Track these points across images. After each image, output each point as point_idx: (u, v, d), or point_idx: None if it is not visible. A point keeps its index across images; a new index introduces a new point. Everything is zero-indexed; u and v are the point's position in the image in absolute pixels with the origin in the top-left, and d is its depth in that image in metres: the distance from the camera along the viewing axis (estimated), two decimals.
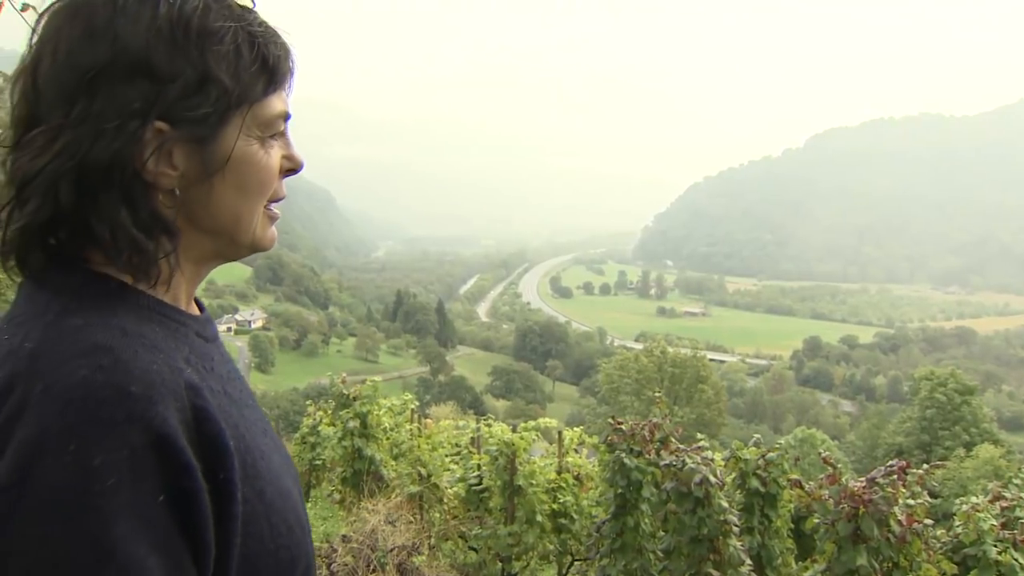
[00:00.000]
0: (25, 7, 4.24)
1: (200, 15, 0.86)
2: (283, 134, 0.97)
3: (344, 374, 9.16)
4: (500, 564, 7.68)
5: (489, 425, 8.61)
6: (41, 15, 0.87)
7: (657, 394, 7.53)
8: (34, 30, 0.87)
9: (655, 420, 6.42)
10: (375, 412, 8.48)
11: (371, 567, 6.54)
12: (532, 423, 8.09)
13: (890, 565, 4.67)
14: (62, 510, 0.68)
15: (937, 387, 41.59)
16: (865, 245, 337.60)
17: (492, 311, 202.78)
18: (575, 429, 8.75)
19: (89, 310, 0.81)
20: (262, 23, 0.93)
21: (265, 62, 0.91)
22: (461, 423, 11.17)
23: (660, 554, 5.84)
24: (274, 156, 0.94)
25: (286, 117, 0.96)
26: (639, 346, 76.19)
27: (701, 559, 5.34)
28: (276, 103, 0.93)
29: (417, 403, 9.71)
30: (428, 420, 10.00)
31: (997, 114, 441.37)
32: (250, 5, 0.94)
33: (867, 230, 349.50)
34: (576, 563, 7.86)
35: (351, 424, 8.22)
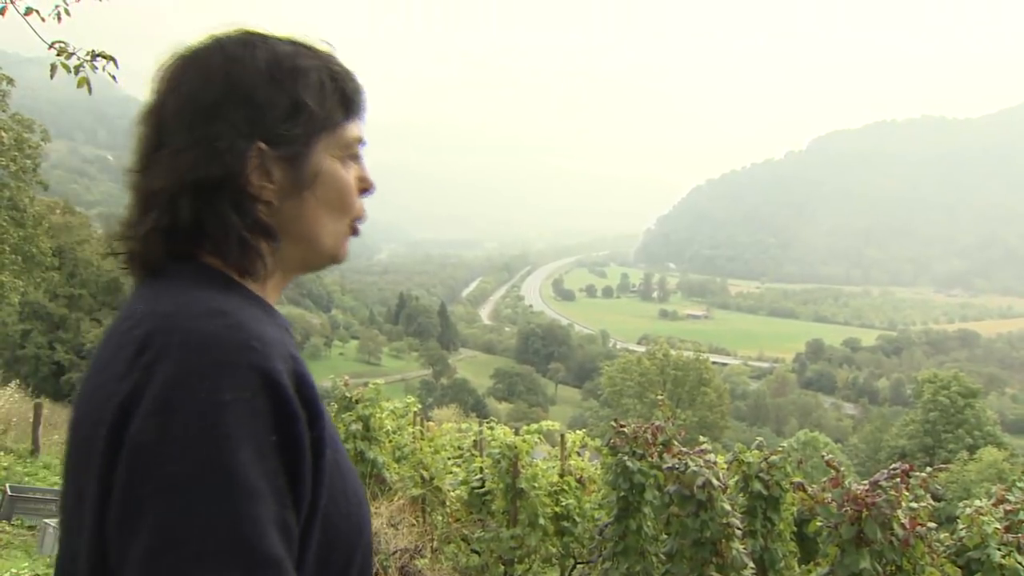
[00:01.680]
0: (29, 11, 4.25)
1: (291, 56, 1.06)
2: (358, 157, 1.13)
3: (346, 377, 9.15)
4: (503, 567, 7.68)
5: (491, 428, 8.60)
6: (162, 67, 1.06)
7: (660, 397, 7.53)
8: (158, 78, 1.06)
9: (658, 423, 6.41)
10: (377, 415, 8.47)
11: (374, 570, 6.53)
12: (534, 426, 8.09)
13: (893, 568, 4.66)
14: (197, 435, 0.83)
15: (940, 390, 41.52)
16: (868, 247, 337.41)
17: (494, 314, 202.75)
18: (578, 432, 8.75)
19: (208, 288, 0.98)
20: (340, 64, 1.11)
21: (344, 94, 1.09)
22: (463, 426, 11.16)
23: (663, 557, 5.84)
24: (352, 175, 1.11)
25: (360, 142, 1.13)
26: (642, 349, 76.17)
27: (704, 562, 5.33)
28: (353, 129, 1.11)
29: (419, 406, 9.71)
30: (430, 423, 10.00)
31: (999, 116, 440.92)
32: (330, 50, 1.12)
33: (870, 232, 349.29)
34: (579, 566, 7.85)
35: (353, 427, 8.21)
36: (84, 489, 0.90)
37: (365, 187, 1.13)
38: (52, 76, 4.18)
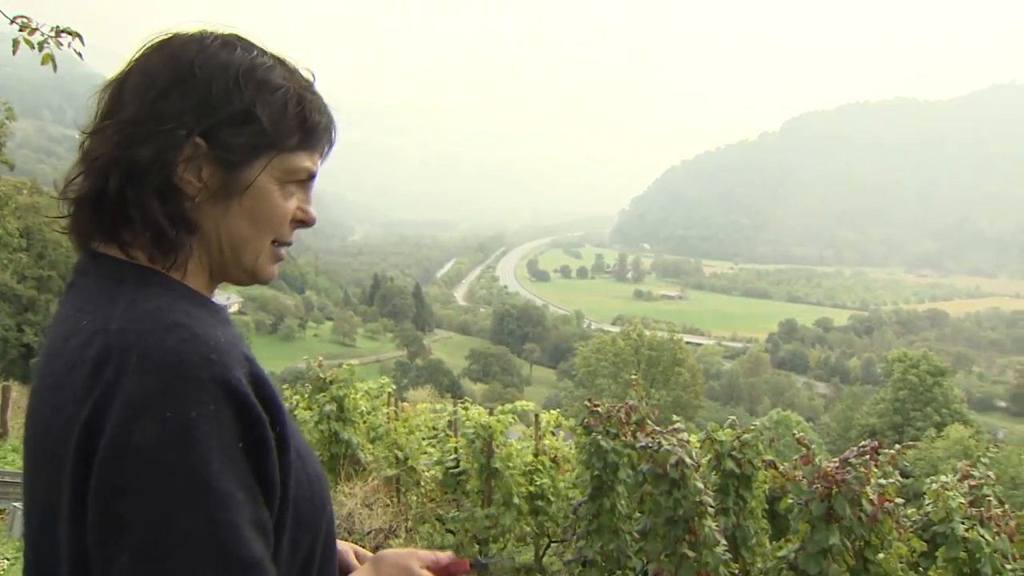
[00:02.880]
0: None
1: (264, 69, 1.06)
2: (305, 188, 1.12)
3: (321, 358, 9.13)
4: (477, 546, 7.71)
5: (466, 408, 8.61)
6: (141, 44, 1.08)
7: (634, 377, 7.55)
8: (134, 53, 1.07)
9: (632, 402, 6.45)
10: (352, 396, 8.46)
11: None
12: (509, 406, 8.11)
13: (862, 543, 4.74)
14: (168, 453, 0.85)
15: (909, 369, 42.17)
16: (841, 229, 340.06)
17: (469, 295, 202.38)
18: (552, 412, 8.78)
19: (154, 297, 0.98)
20: (315, 94, 1.11)
21: (304, 122, 1.08)
22: (438, 406, 11.16)
23: (636, 535, 5.89)
24: (291, 203, 1.10)
25: (311, 175, 1.11)
26: (616, 329, 76.48)
27: (677, 540, 5.38)
28: (303, 159, 1.09)
29: (394, 387, 9.69)
30: (405, 404, 10.00)
31: (970, 99, 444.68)
32: (311, 78, 1.13)
33: (843, 214, 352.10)
34: (553, 545, 7.90)
35: (328, 408, 8.19)
36: (54, 507, 0.92)
37: (304, 219, 1.13)
38: (15, 52, 4.08)
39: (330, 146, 1.15)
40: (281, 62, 1.09)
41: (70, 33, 4.14)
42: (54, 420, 0.94)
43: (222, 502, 0.86)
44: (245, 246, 1.08)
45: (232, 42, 1.06)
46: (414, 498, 8.28)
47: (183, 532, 0.84)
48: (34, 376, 1.04)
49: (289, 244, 1.14)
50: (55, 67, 4.11)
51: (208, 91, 1.01)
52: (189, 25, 1.09)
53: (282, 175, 1.07)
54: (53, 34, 4.11)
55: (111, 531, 0.85)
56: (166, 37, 1.07)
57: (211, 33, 1.07)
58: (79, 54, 4.17)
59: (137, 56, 1.06)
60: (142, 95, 1.01)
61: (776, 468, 5.32)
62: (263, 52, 1.08)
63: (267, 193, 1.07)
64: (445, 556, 1.19)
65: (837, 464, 4.85)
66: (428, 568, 1.16)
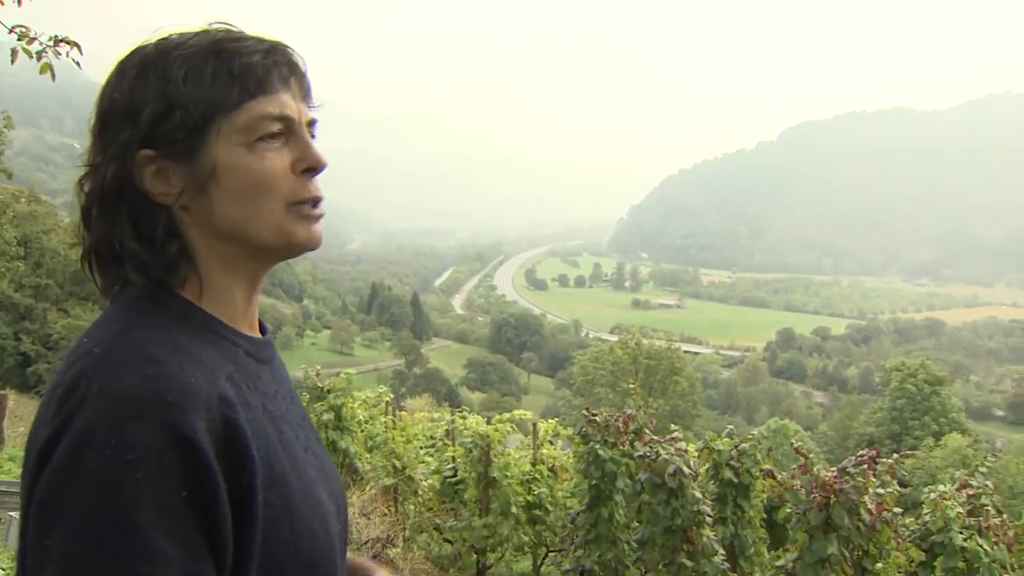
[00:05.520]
0: None
1: (164, 51, 1.00)
2: (289, 136, 1.03)
3: (318, 366, 9.13)
4: (475, 556, 7.69)
5: (464, 417, 8.61)
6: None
7: (632, 386, 7.55)
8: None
9: (629, 411, 6.45)
10: (349, 405, 8.46)
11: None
12: (507, 415, 8.10)
13: (860, 553, 4.73)
14: (96, 495, 0.82)
15: (907, 378, 42.22)
16: (838, 238, 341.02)
17: (467, 303, 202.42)
18: (550, 421, 8.78)
19: (153, 326, 0.95)
20: (237, 39, 1.02)
21: (231, 74, 0.99)
22: (436, 415, 11.17)
23: (634, 545, 5.88)
24: (270, 159, 1.01)
25: (282, 118, 1.02)
26: (614, 338, 76.36)
27: (675, 549, 5.37)
28: (256, 108, 1.00)
29: (392, 395, 9.70)
30: (403, 412, 9.99)
31: (967, 108, 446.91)
32: (227, 28, 1.04)
33: (841, 223, 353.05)
34: (551, 554, 7.88)
35: (325, 417, 8.19)
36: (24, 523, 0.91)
37: (310, 166, 1.04)
38: (13, 61, 4.09)
39: (296, 78, 1.06)
40: (185, 34, 1.02)
41: (68, 42, 4.16)
42: (31, 439, 0.92)
43: (143, 554, 0.81)
44: (248, 224, 1.01)
45: (144, 46, 1.03)
46: (412, 507, 8.26)
47: None
48: None
49: (310, 200, 1.04)
50: (53, 76, 4.12)
51: (131, 104, 0.99)
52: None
53: (243, 136, 1.00)
54: (51, 43, 4.12)
55: (40, 561, 0.83)
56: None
57: (142, 45, 1.03)
58: (77, 63, 4.18)
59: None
60: (96, 131, 1.02)
61: (774, 477, 5.31)
62: (167, 38, 1.02)
63: (235, 163, 0.99)
64: None
65: (835, 473, 4.84)
66: None
